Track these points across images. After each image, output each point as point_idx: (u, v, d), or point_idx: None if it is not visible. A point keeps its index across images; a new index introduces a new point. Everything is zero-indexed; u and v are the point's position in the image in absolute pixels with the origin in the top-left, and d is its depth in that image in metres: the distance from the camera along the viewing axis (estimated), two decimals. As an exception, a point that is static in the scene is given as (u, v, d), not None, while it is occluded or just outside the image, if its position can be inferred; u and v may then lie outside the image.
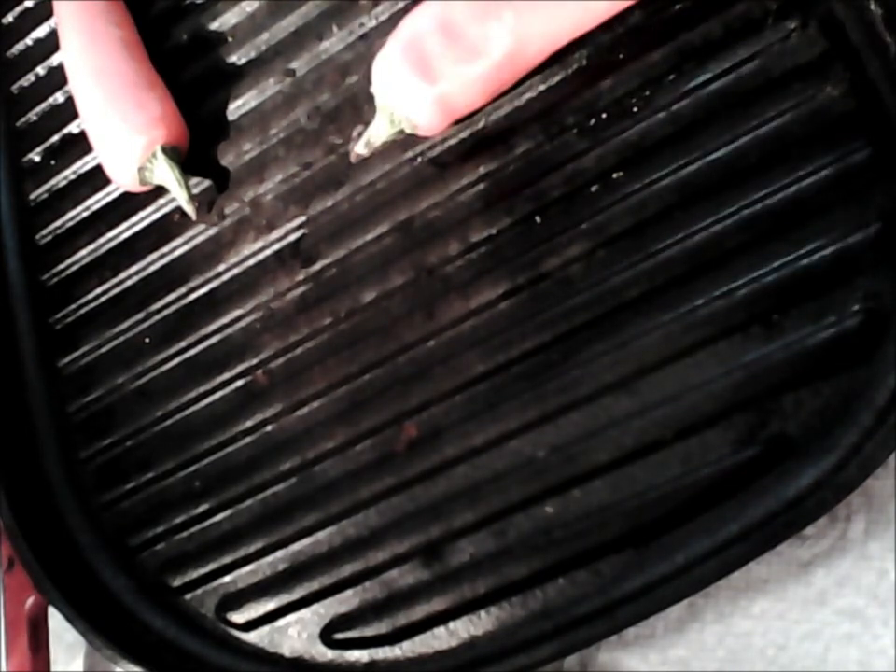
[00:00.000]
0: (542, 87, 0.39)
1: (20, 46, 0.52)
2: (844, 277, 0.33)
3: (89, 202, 0.48)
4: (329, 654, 0.39)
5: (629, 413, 0.35)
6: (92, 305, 0.47)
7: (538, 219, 0.38)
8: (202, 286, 0.44)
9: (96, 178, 0.47)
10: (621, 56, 0.38)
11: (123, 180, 0.44)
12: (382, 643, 0.38)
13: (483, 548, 0.37)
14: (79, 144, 0.48)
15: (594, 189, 0.37)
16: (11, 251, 0.50)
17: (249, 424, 0.42)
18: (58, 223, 0.49)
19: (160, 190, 0.45)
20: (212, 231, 0.44)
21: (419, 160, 0.41)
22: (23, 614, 0.44)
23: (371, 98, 0.39)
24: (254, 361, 0.42)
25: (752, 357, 0.34)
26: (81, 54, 0.45)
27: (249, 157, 0.44)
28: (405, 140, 0.40)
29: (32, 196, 0.50)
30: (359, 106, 0.42)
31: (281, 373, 0.42)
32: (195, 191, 0.44)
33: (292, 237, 0.43)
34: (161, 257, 0.45)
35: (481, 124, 0.40)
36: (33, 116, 0.51)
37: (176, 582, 0.43)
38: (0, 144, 0.51)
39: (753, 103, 0.35)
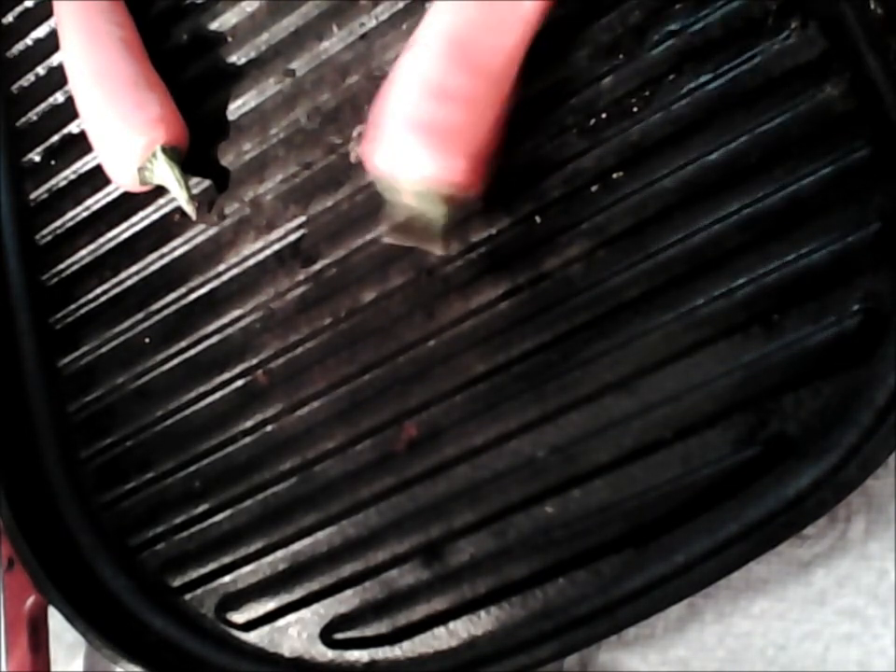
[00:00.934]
0: (542, 87, 0.39)
1: (20, 46, 0.52)
2: (844, 277, 0.33)
3: (89, 202, 0.48)
4: (329, 654, 0.39)
5: (629, 413, 0.35)
6: (92, 305, 0.47)
7: (538, 219, 0.38)
8: (202, 286, 0.44)
9: (96, 178, 0.47)
10: (621, 56, 0.38)
11: (123, 180, 0.44)
12: (382, 643, 0.38)
13: (483, 548, 0.37)
14: (79, 144, 0.48)
15: (594, 189, 0.37)
16: (11, 251, 0.50)
17: (249, 424, 0.42)
18: (58, 223, 0.49)
19: (160, 190, 0.45)
20: (212, 231, 0.44)
21: (419, 160, 0.41)
22: (23, 614, 0.44)
23: (370, 98, 0.38)
24: (254, 361, 0.42)
25: (752, 357, 0.34)
26: (81, 54, 0.45)
27: (249, 157, 0.44)
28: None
29: (32, 196, 0.50)
30: (359, 106, 0.42)
31: (281, 373, 0.42)
32: (195, 191, 0.44)
33: (292, 237, 0.43)
34: (161, 257, 0.46)
35: (481, 124, 0.40)
36: (33, 116, 0.51)
37: (176, 582, 0.43)
38: (0, 144, 0.51)
39: (753, 103, 0.35)
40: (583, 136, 0.38)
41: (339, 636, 0.39)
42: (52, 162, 0.50)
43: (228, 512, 0.42)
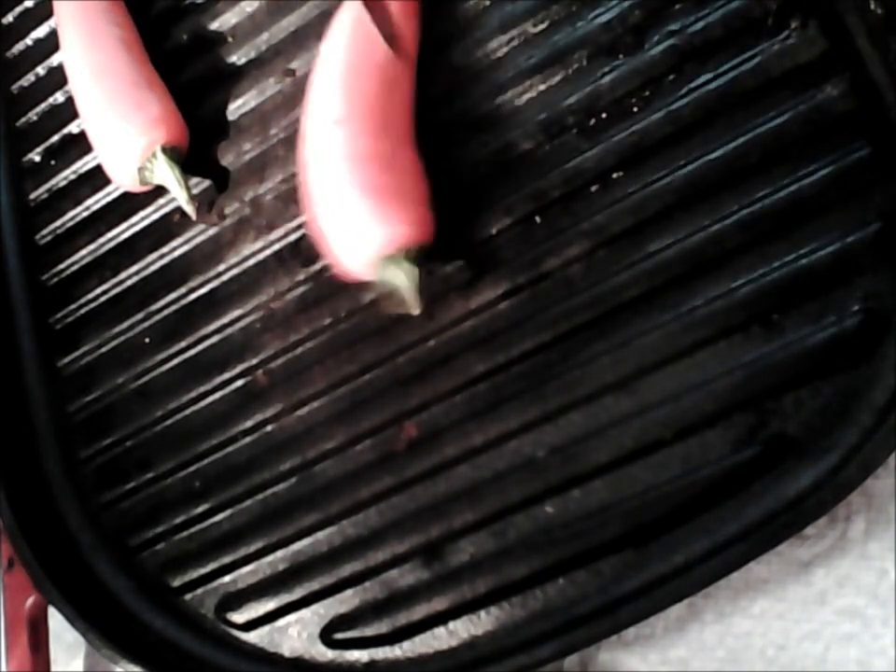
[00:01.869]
0: (542, 87, 0.39)
1: (20, 46, 0.52)
2: (844, 277, 0.33)
3: (89, 202, 0.48)
4: (329, 654, 0.39)
5: (629, 413, 0.35)
6: (92, 305, 0.47)
7: (538, 219, 0.38)
8: (202, 286, 0.44)
9: (96, 178, 0.47)
10: (621, 56, 0.38)
11: (123, 180, 0.44)
12: (382, 643, 0.38)
13: (483, 548, 0.37)
14: (79, 144, 0.48)
15: (594, 188, 0.37)
16: (11, 251, 0.50)
17: (249, 424, 0.42)
18: (58, 223, 0.49)
19: (160, 190, 0.45)
20: (212, 231, 0.44)
21: (419, 160, 0.41)
22: (23, 614, 0.44)
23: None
24: (254, 361, 0.42)
25: (752, 357, 0.34)
26: (81, 54, 0.45)
27: (249, 157, 0.44)
28: (405, 140, 0.40)
29: (32, 196, 0.50)
30: (359, 106, 0.42)
31: (281, 373, 0.42)
32: (195, 191, 0.44)
33: (292, 237, 0.43)
34: (161, 257, 0.46)
35: (481, 124, 0.40)
36: (33, 116, 0.51)
37: (176, 582, 0.43)
38: (0, 144, 0.51)
39: (753, 103, 0.35)
40: (583, 136, 0.38)
41: (339, 636, 0.39)
42: (52, 162, 0.50)
43: (228, 512, 0.42)
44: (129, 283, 0.46)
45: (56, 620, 0.43)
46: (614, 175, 0.37)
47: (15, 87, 0.52)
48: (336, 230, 0.37)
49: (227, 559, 0.42)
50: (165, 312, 0.45)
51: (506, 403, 0.37)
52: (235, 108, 0.45)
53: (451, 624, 0.37)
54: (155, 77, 0.44)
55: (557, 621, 0.35)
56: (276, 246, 0.43)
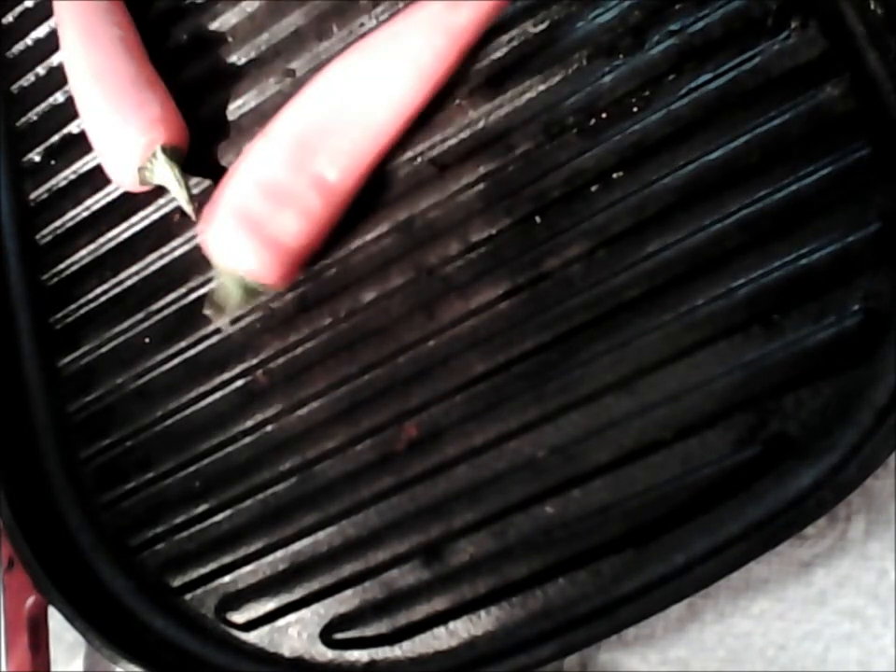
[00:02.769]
0: (542, 87, 0.39)
1: (20, 46, 0.52)
2: (844, 277, 0.33)
3: (89, 202, 0.48)
4: (329, 654, 0.39)
5: (629, 413, 0.35)
6: (92, 305, 0.47)
7: (538, 219, 0.38)
8: (202, 286, 0.44)
9: (96, 178, 0.47)
10: (621, 56, 0.38)
11: (123, 180, 0.44)
12: (382, 643, 0.38)
13: (483, 548, 0.37)
14: (79, 144, 0.48)
15: (594, 188, 0.37)
16: (11, 251, 0.50)
17: (249, 424, 0.42)
18: (58, 223, 0.49)
19: (160, 190, 0.45)
20: (212, 231, 0.44)
21: (419, 160, 0.41)
22: (23, 614, 0.44)
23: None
24: (254, 361, 0.42)
25: (752, 357, 0.34)
26: (81, 54, 0.45)
27: (249, 157, 0.44)
28: (405, 140, 0.40)
29: (32, 196, 0.50)
30: (359, 106, 0.42)
31: (281, 373, 0.42)
32: (195, 191, 0.44)
33: (292, 237, 0.43)
34: (161, 257, 0.45)
35: (480, 124, 0.40)
36: (33, 116, 0.51)
37: (176, 582, 0.43)
38: (0, 144, 0.51)
39: (753, 103, 0.35)
40: (583, 136, 0.38)
41: (339, 636, 0.39)
42: (52, 162, 0.50)
43: (228, 512, 0.42)
44: (129, 283, 0.46)
45: (56, 620, 0.43)
46: (614, 175, 0.37)
47: (15, 87, 0.51)
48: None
49: (227, 559, 0.42)
50: (165, 312, 0.45)
51: (506, 403, 0.37)
52: (235, 108, 0.45)
53: (451, 624, 0.37)
54: (155, 78, 0.44)
55: (557, 621, 0.35)
56: (276, 246, 0.43)
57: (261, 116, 0.44)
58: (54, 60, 0.50)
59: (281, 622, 0.40)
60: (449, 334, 0.39)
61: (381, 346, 0.40)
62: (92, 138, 0.44)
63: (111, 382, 0.46)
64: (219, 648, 0.41)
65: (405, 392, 0.39)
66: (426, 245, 0.40)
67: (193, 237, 0.45)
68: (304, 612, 0.40)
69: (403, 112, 0.38)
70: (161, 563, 0.43)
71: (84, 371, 0.47)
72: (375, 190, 0.41)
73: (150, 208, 0.46)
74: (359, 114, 0.38)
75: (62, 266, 0.48)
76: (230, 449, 0.42)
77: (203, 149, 0.45)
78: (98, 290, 0.47)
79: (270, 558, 0.41)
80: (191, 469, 0.43)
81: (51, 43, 0.50)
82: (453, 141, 0.40)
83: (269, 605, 0.40)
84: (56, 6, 0.47)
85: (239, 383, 0.43)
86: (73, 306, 0.47)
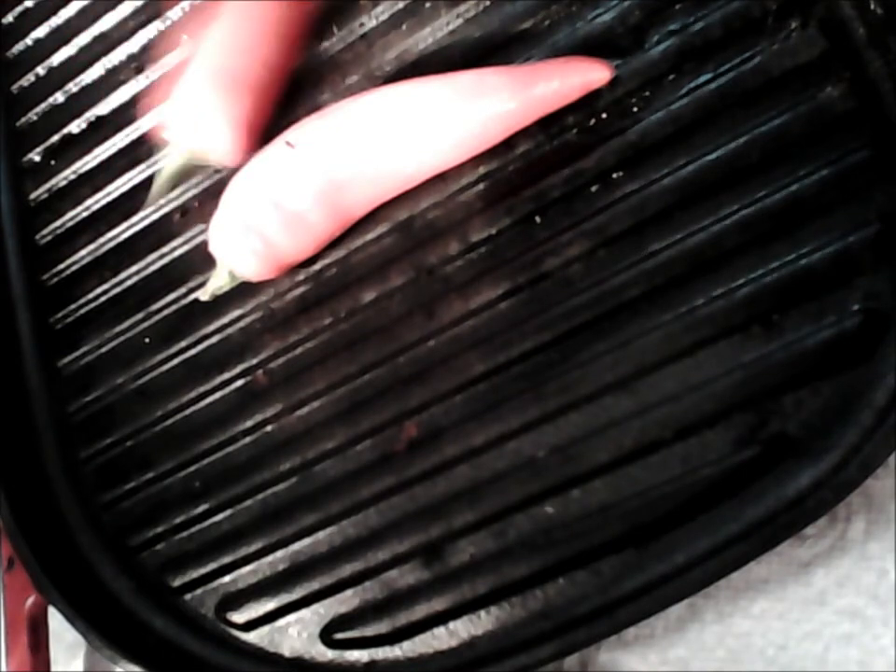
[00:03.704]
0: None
1: (20, 46, 0.52)
2: (844, 277, 0.33)
3: (89, 202, 0.48)
4: (329, 654, 0.39)
5: (629, 413, 0.35)
6: (92, 305, 0.47)
7: (538, 219, 0.38)
8: (201, 286, 0.44)
9: (96, 178, 0.47)
10: (621, 56, 0.38)
11: (158, 127, 0.43)
12: (382, 643, 0.38)
13: (483, 548, 0.37)
14: (79, 144, 0.48)
15: (594, 188, 0.37)
16: (11, 251, 0.50)
17: (249, 424, 0.42)
18: (58, 223, 0.49)
19: (160, 190, 0.45)
20: (212, 231, 0.44)
21: (419, 160, 0.41)
22: (23, 614, 0.44)
23: (371, 98, 0.38)
24: (254, 361, 0.42)
25: (752, 357, 0.34)
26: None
27: (249, 156, 0.44)
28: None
29: (32, 196, 0.50)
30: (359, 106, 0.42)
31: (281, 373, 0.42)
32: (195, 191, 0.44)
33: (292, 237, 0.43)
34: (161, 257, 0.45)
35: (481, 124, 0.40)
36: (33, 116, 0.51)
37: (176, 582, 0.43)
38: (0, 144, 0.51)
39: (753, 103, 0.35)
40: (583, 136, 0.38)
41: (339, 636, 0.39)
42: (52, 162, 0.50)
43: (228, 512, 0.42)
44: (129, 283, 0.46)
45: (56, 620, 0.43)
46: (614, 175, 0.37)
47: (15, 87, 0.52)
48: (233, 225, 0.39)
49: (227, 559, 0.42)
50: (165, 312, 0.45)
51: (506, 403, 0.37)
52: (235, 108, 0.45)
53: (451, 624, 0.37)
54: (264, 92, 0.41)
55: (557, 621, 0.35)
56: (276, 246, 0.43)
57: (261, 116, 0.44)
58: (54, 60, 0.50)
59: (281, 622, 0.40)
60: (449, 334, 0.39)
61: (381, 346, 0.40)
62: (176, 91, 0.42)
63: (111, 382, 0.46)
64: (219, 648, 0.41)
65: (405, 392, 0.39)
66: (426, 245, 0.40)
67: (193, 237, 0.45)
68: (304, 612, 0.40)
69: (438, 170, 0.39)
70: (161, 563, 0.43)
71: (84, 370, 0.47)
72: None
73: (150, 208, 0.46)
74: (395, 165, 0.38)
75: (62, 266, 0.48)
76: (230, 449, 0.42)
77: (203, 149, 0.45)
78: (98, 290, 0.47)
79: (270, 558, 0.41)
80: (191, 468, 0.43)
81: (51, 43, 0.50)
82: (453, 141, 0.40)
83: (269, 605, 0.40)
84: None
85: (239, 383, 0.43)
86: (73, 306, 0.48)
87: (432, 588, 0.37)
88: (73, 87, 0.49)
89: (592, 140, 0.38)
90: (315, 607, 0.39)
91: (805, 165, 0.34)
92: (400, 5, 0.42)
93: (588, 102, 0.37)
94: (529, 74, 0.37)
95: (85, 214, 0.48)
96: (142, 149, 0.47)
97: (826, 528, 0.34)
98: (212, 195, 0.44)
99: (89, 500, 0.45)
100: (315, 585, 0.40)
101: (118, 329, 0.46)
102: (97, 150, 0.48)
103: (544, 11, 0.39)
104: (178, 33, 0.47)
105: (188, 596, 0.42)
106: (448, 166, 0.38)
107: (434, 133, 0.37)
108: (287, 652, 0.40)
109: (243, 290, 0.43)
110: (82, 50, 0.49)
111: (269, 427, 0.42)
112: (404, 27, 0.41)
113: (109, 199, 0.47)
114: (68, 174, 0.49)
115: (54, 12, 0.50)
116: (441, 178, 0.39)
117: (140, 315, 0.45)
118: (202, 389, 0.43)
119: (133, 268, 0.46)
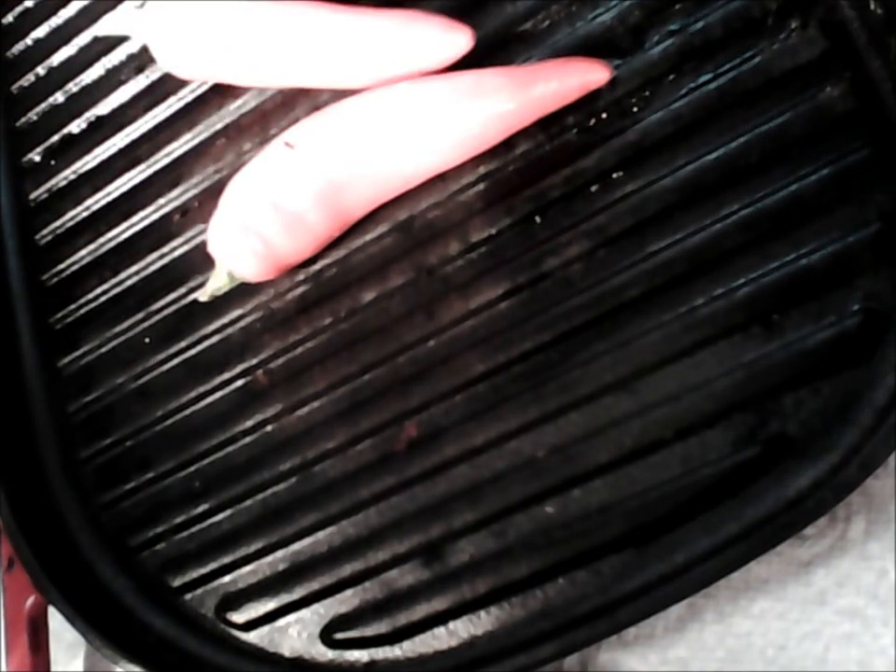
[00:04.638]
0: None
1: (20, 46, 0.52)
2: (844, 277, 0.33)
3: (89, 202, 0.48)
4: (329, 654, 0.39)
5: (629, 413, 0.35)
6: (92, 305, 0.47)
7: (538, 219, 0.38)
8: (201, 286, 0.44)
9: (96, 178, 0.47)
10: (621, 56, 0.38)
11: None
12: (382, 643, 0.38)
13: (482, 548, 0.37)
14: (79, 144, 0.48)
15: (594, 188, 0.37)
16: (11, 251, 0.50)
17: (249, 424, 0.42)
18: (58, 223, 0.49)
19: (160, 190, 0.45)
20: (212, 231, 0.44)
21: (419, 160, 0.41)
22: (23, 614, 0.44)
23: (370, 98, 0.38)
24: (254, 361, 0.42)
25: (752, 357, 0.34)
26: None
27: (249, 157, 0.44)
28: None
29: (32, 196, 0.50)
30: (359, 106, 0.42)
31: (281, 373, 0.42)
32: (196, 191, 0.44)
33: (292, 237, 0.43)
34: (161, 257, 0.45)
35: (481, 124, 0.40)
36: (33, 116, 0.51)
37: (176, 582, 0.43)
38: (0, 144, 0.51)
39: (753, 103, 0.35)
40: (583, 136, 0.38)
41: (339, 636, 0.39)
42: (52, 162, 0.50)
43: (228, 512, 0.42)
44: (129, 283, 0.46)
45: (56, 620, 0.43)
46: (614, 175, 0.37)
47: (15, 87, 0.51)
48: (231, 229, 0.39)
49: (227, 559, 0.42)
50: (165, 312, 0.45)
51: (506, 403, 0.37)
52: (235, 108, 0.45)
53: (451, 624, 0.37)
54: None
55: (557, 621, 0.35)
56: (276, 246, 0.43)
57: (261, 116, 0.44)
58: (54, 60, 0.50)
59: (281, 622, 0.40)
60: (449, 334, 0.39)
61: (381, 346, 0.40)
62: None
63: (111, 382, 0.46)
64: (219, 648, 0.41)
65: (405, 392, 0.39)
66: (426, 245, 0.40)
67: (193, 237, 0.45)
68: (304, 612, 0.40)
69: (438, 170, 0.39)
70: (161, 563, 0.43)
71: (84, 371, 0.47)
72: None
73: (150, 208, 0.46)
74: (395, 165, 0.38)
75: (62, 266, 0.48)
76: (230, 449, 0.42)
77: (203, 149, 0.45)
78: (98, 290, 0.47)
79: (270, 558, 0.41)
80: (191, 468, 0.43)
81: (51, 43, 0.50)
82: (453, 141, 0.40)
83: (269, 605, 0.40)
84: None
85: (239, 383, 0.43)
86: (73, 306, 0.47)
87: (432, 588, 0.37)
88: (73, 87, 0.49)
89: (592, 140, 0.38)
90: (315, 607, 0.39)
91: (805, 165, 0.34)
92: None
93: (588, 102, 0.37)
94: (529, 74, 0.37)
95: (85, 214, 0.48)
96: (142, 149, 0.47)
97: (826, 528, 0.34)
98: (212, 195, 0.44)
99: (89, 500, 0.45)
100: (314, 585, 0.40)
101: (118, 328, 0.46)
102: (97, 150, 0.48)
103: (544, 11, 0.39)
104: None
105: (188, 596, 0.42)
106: (448, 166, 0.38)
107: (434, 134, 0.37)
108: (287, 652, 0.40)
109: (243, 290, 0.43)
110: (82, 50, 0.49)
111: (269, 427, 0.42)
112: (404, 27, 0.41)
113: (109, 199, 0.47)
114: (68, 174, 0.49)
115: (54, 12, 0.50)
116: (440, 178, 0.40)
117: (140, 315, 0.45)
118: (202, 389, 0.43)
119: (133, 268, 0.46)
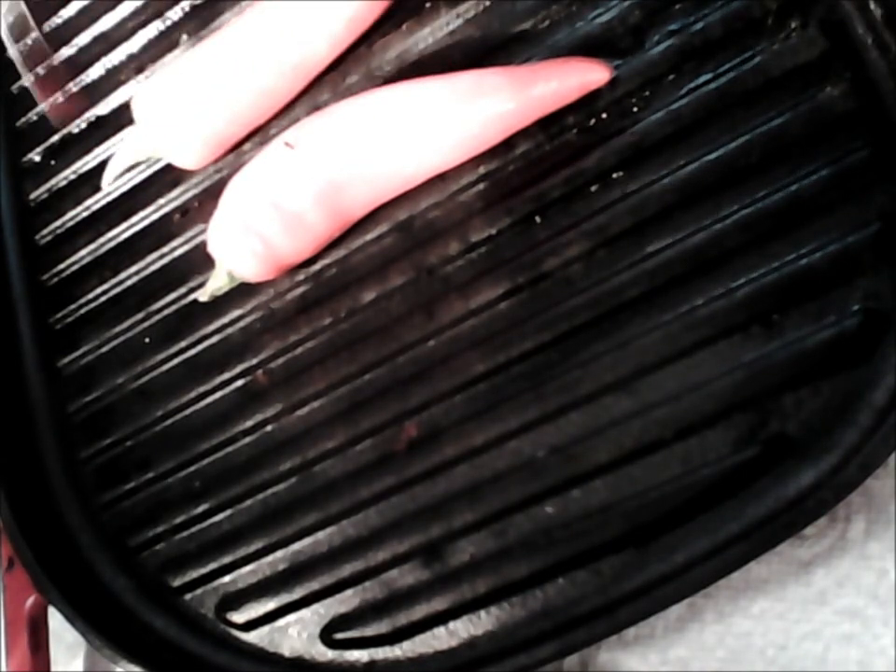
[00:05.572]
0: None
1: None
2: (844, 277, 0.33)
3: (89, 202, 0.48)
4: (329, 654, 0.39)
5: (629, 413, 0.35)
6: (92, 305, 0.47)
7: (538, 219, 0.38)
8: (201, 286, 0.44)
9: (96, 178, 0.47)
10: (621, 56, 0.38)
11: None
12: (382, 643, 0.38)
13: (483, 548, 0.37)
14: (79, 144, 0.48)
15: (594, 188, 0.37)
16: (11, 251, 0.50)
17: (249, 424, 0.42)
18: (58, 223, 0.49)
19: (160, 190, 0.45)
20: (212, 231, 0.44)
21: (419, 160, 0.41)
22: (23, 614, 0.44)
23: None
24: (254, 361, 0.42)
25: (752, 357, 0.34)
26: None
27: (249, 157, 0.44)
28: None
29: (32, 196, 0.50)
30: (359, 106, 0.42)
31: (281, 373, 0.42)
32: (196, 191, 0.44)
33: (292, 237, 0.43)
34: (161, 257, 0.45)
35: (481, 124, 0.40)
36: (33, 116, 0.51)
37: (176, 582, 0.43)
38: (0, 144, 0.51)
39: (753, 103, 0.35)
40: (583, 136, 0.38)
41: (339, 636, 0.39)
42: (52, 162, 0.50)
43: (228, 512, 0.42)
44: (129, 283, 0.46)
45: (56, 620, 0.43)
46: (614, 175, 0.37)
47: (15, 87, 0.51)
48: (233, 229, 0.39)
49: (227, 559, 0.42)
50: (165, 312, 0.45)
51: (506, 403, 0.37)
52: (235, 108, 0.45)
53: (451, 624, 0.37)
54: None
55: (557, 621, 0.35)
56: (276, 246, 0.43)
57: (261, 116, 0.44)
58: (54, 60, 0.50)
59: (281, 622, 0.40)
60: (449, 334, 0.39)
61: (381, 346, 0.40)
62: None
63: (111, 382, 0.46)
64: (219, 648, 0.41)
65: (405, 392, 0.39)
66: (426, 245, 0.40)
67: (193, 237, 0.45)
68: (304, 612, 0.40)
69: (438, 170, 0.39)
70: (161, 563, 0.43)
71: (84, 371, 0.47)
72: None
73: (150, 208, 0.46)
74: (395, 166, 0.38)
75: (62, 266, 0.48)
76: (230, 449, 0.42)
77: (203, 149, 0.45)
78: (98, 290, 0.47)
79: (270, 558, 0.41)
80: (191, 468, 0.43)
81: (51, 43, 0.50)
82: (453, 141, 0.40)
83: (269, 605, 0.40)
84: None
85: (239, 383, 0.43)
86: (73, 306, 0.48)
87: (432, 588, 0.37)
88: (73, 87, 0.49)
89: (592, 140, 0.38)
90: (315, 607, 0.39)
91: (805, 165, 0.34)
92: (401, 5, 0.42)
93: (588, 102, 0.37)
94: (529, 74, 0.37)
95: (85, 214, 0.48)
96: (142, 149, 0.47)
97: (826, 528, 0.34)
98: (212, 195, 0.44)
99: (89, 500, 0.45)
100: (314, 585, 0.40)
101: (118, 328, 0.46)
102: (97, 150, 0.48)
103: (544, 11, 0.39)
104: (178, 33, 0.47)
105: (188, 596, 0.42)
106: (448, 166, 0.38)
107: (434, 134, 0.37)
108: (287, 652, 0.40)
109: (243, 290, 0.43)
110: (82, 50, 0.49)
111: (269, 427, 0.42)
112: (404, 27, 0.41)
113: (109, 199, 0.47)
114: (68, 174, 0.49)
115: (54, 12, 0.50)
116: (440, 178, 0.40)
117: (140, 315, 0.46)
118: (202, 389, 0.43)
119: (133, 268, 0.46)
